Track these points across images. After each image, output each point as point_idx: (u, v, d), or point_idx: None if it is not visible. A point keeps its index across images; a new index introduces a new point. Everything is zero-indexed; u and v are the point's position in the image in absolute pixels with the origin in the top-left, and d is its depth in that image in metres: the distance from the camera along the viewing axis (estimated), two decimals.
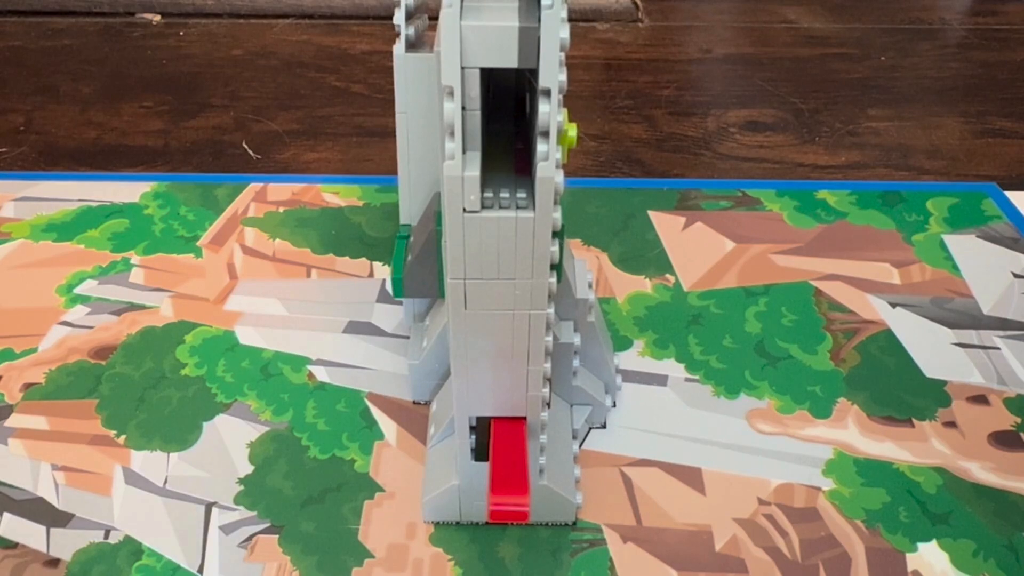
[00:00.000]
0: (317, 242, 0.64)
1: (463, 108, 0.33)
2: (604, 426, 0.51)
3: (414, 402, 0.52)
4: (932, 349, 0.56)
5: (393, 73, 0.47)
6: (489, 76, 0.33)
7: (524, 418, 0.41)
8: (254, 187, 0.69)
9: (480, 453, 0.43)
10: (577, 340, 0.47)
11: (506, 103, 0.41)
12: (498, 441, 0.41)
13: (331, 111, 0.80)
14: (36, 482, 0.48)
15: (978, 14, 0.98)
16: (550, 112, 0.32)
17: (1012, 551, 0.45)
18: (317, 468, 0.49)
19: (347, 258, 0.63)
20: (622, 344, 0.56)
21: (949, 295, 0.60)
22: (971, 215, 0.67)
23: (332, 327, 0.57)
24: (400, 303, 0.58)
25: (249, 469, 0.49)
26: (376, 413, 0.52)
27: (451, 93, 0.32)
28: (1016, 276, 0.61)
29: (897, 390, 0.53)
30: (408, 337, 0.55)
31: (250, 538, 0.45)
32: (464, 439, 0.42)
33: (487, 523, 0.46)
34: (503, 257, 0.36)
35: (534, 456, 0.43)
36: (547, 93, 0.32)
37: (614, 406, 0.52)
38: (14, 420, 0.51)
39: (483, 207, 0.34)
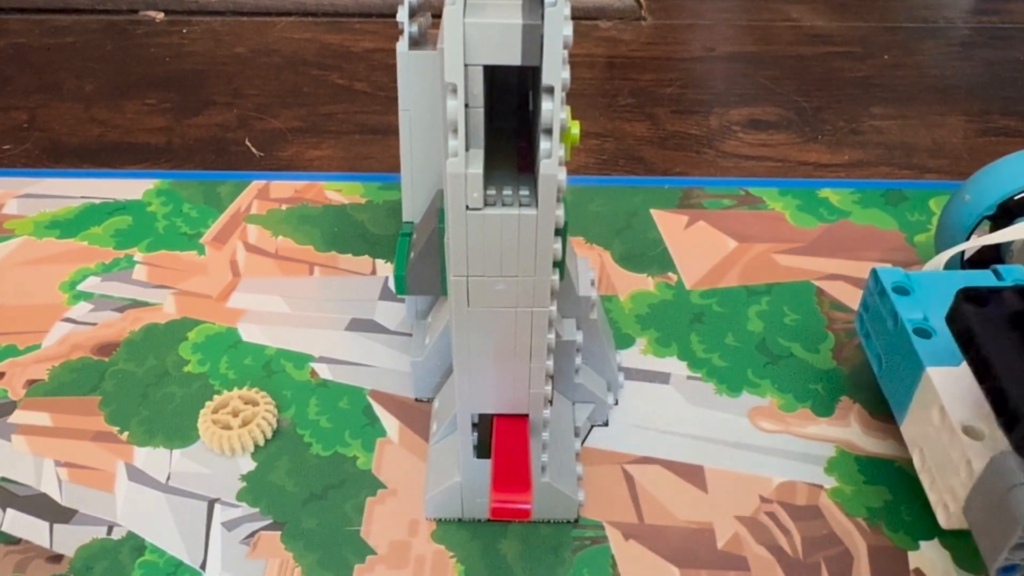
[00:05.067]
0: (320, 239, 0.64)
1: (466, 105, 0.33)
2: (606, 424, 0.51)
3: (416, 399, 0.52)
4: None
5: (396, 71, 0.47)
6: (492, 73, 0.33)
7: (526, 416, 0.42)
8: (257, 184, 0.69)
9: (482, 450, 0.43)
10: (579, 338, 0.47)
11: (509, 100, 0.41)
12: (500, 439, 0.41)
13: (334, 108, 0.80)
14: (39, 478, 0.48)
15: (982, 13, 0.98)
16: (553, 110, 0.32)
17: None
18: (319, 465, 0.49)
19: (350, 255, 0.63)
20: (624, 342, 0.56)
21: None
22: None
23: (335, 324, 0.57)
24: (403, 300, 0.58)
25: (251, 466, 0.49)
26: (378, 410, 0.52)
27: (454, 90, 0.32)
28: None
29: None
30: (411, 334, 0.55)
31: (252, 535, 0.45)
32: (466, 436, 0.42)
33: (489, 520, 0.46)
34: (506, 254, 0.36)
35: (536, 453, 0.43)
36: (550, 91, 0.32)
37: (616, 404, 0.52)
38: (17, 416, 0.51)
39: (486, 204, 0.34)
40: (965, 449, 0.40)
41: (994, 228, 0.53)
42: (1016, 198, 0.52)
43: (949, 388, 0.42)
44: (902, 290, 0.48)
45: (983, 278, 0.48)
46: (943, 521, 0.42)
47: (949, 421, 0.41)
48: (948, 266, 0.53)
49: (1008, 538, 0.38)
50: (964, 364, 0.42)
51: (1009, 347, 0.38)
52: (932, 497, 0.43)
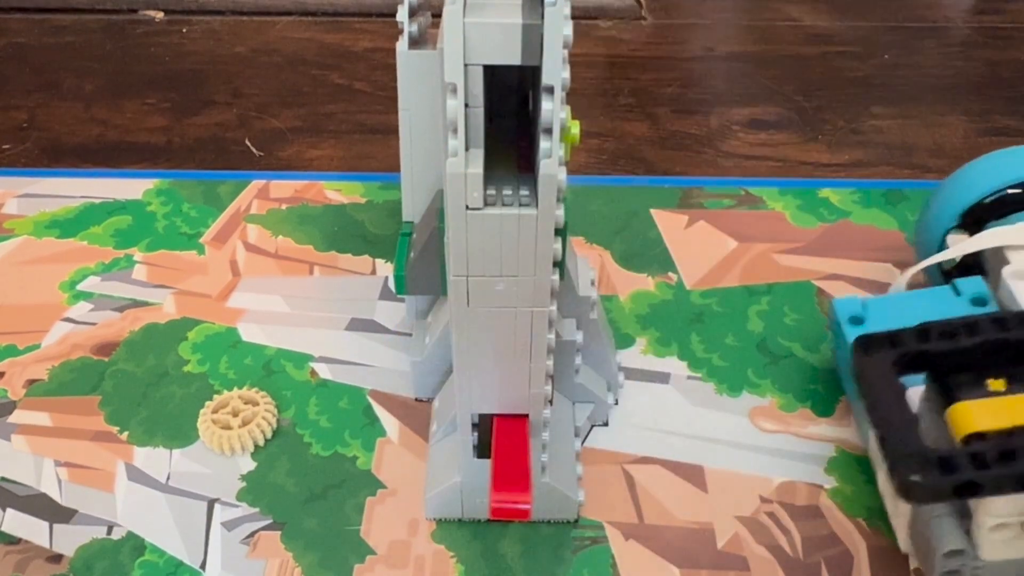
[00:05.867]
0: (320, 239, 0.64)
1: (466, 105, 0.33)
2: (606, 423, 0.51)
3: (416, 399, 0.52)
4: None
5: (396, 70, 0.47)
6: (492, 73, 0.33)
7: (526, 416, 0.41)
8: (257, 184, 0.69)
9: (482, 450, 0.43)
10: (579, 337, 0.47)
11: (509, 100, 0.41)
12: (500, 439, 0.41)
13: (334, 108, 0.80)
14: (39, 478, 0.48)
15: (983, 12, 0.98)
16: (553, 109, 0.32)
17: None
18: (319, 465, 0.49)
19: (350, 255, 0.63)
20: (624, 342, 0.56)
21: None
22: None
23: (334, 324, 0.57)
24: (403, 300, 0.58)
25: (251, 466, 0.49)
26: (378, 410, 0.52)
27: (454, 90, 0.32)
28: None
29: None
30: (410, 334, 0.55)
31: (252, 534, 0.45)
32: (466, 436, 0.42)
33: (489, 520, 0.46)
34: (506, 254, 0.36)
35: (536, 453, 0.43)
36: (550, 90, 0.32)
37: (616, 404, 0.52)
38: (17, 416, 0.51)
39: (486, 204, 0.34)
40: None
41: (971, 234, 0.52)
42: (986, 202, 0.52)
43: None
44: (857, 320, 0.48)
45: (941, 296, 0.48)
46: (902, 545, 0.43)
47: None
48: (929, 278, 0.53)
49: (933, 565, 0.39)
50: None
51: (890, 394, 0.38)
52: (893, 522, 0.44)
